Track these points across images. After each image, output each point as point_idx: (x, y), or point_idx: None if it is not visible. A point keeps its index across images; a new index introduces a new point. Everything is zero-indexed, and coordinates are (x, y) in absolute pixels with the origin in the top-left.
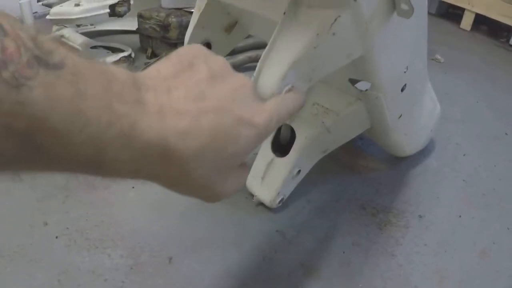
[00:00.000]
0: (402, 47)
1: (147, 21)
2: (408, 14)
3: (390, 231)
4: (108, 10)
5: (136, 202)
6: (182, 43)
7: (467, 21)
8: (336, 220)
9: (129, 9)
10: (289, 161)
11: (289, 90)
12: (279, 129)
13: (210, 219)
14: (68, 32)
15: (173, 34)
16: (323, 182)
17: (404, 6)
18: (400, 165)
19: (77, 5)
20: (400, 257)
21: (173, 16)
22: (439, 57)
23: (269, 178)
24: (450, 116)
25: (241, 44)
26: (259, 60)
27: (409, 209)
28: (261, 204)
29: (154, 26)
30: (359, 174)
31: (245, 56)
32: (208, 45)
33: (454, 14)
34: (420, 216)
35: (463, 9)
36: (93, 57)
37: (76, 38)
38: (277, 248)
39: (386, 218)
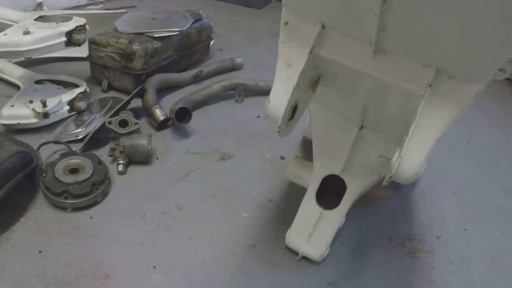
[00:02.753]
0: None
1: (103, 49)
2: (501, 76)
3: (421, 258)
4: (64, 39)
5: (167, 285)
6: (146, 74)
7: None
8: (373, 258)
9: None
10: (341, 213)
11: None
12: (322, 182)
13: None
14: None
15: (137, 63)
16: (346, 219)
17: (503, 74)
18: (401, 189)
19: (26, 33)
20: (438, 281)
21: (137, 43)
22: None
23: (319, 232)
24: None
25: (205, 69)
26: (404, 137)
27: (427, 232)
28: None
29: (113, 55)
30: (373, 205)
31: (220, 86)
32: (295, 108)
33: None
34: (437, 237)
35: None
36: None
37: (12, 71)
38: None
39: (412, 245)
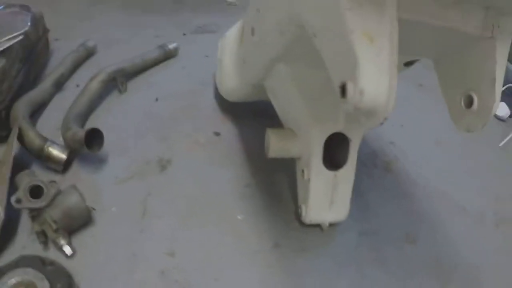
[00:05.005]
0: None
1: None
2: None
3: (395, 168)
4: None
5: None
6: (5, 108)
7: None
8: (366, 188)
9: None
10: (353, 166)
11: None
12: (326, 146)
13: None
14: None
15: None
16: None
17: None
18: None
19: None
20: (419, 180)
21: None
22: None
23: (339, 195)
24: None
25: (64, 69)
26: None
27: (383, 145)
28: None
29: None
30: None
31: (98, 83)
32: None
33: None
34: (391, 143)
35: None
36: None
37: None
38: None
39: (381, 161)
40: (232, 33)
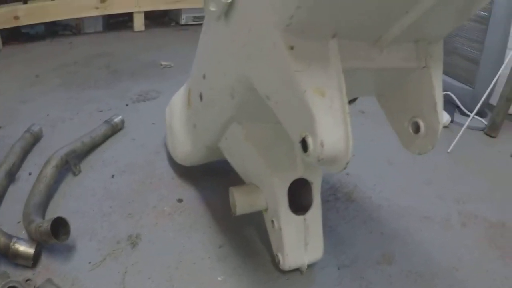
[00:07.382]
0: None
1: None
2: None
3: (357, 197)
4: None
5: None
6: None
7: (139, 23)
8: (335, 222)
9: None
10: (318, 206)
11: None
12: (290, 192)
13: None
14: None
15: None
16: None
17: None
18: None
19: None
20: (382, 202)
21: None
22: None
23: (312, 236)
24: None
25: (14, 159)
26: (429, 108)
27: (347, 181)
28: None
29: None
30: None
31: (53, 169)
32: None
33: (121, 22)
34: (347, 174)
35: (130, 14)
36: None
37: None
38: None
39: (342, 193)
40: (178, 99)
